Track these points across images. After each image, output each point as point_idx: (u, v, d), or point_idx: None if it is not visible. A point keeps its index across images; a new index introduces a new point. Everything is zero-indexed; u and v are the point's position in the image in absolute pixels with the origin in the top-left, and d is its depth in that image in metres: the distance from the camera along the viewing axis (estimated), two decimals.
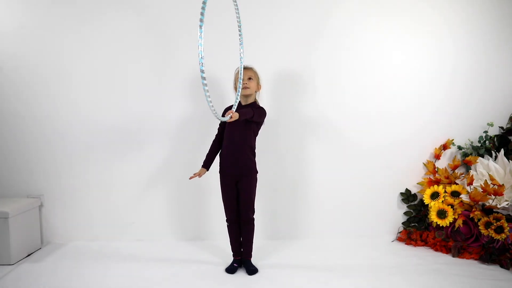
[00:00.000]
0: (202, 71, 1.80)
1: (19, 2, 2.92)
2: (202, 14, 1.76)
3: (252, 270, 2.47)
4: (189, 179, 2.50)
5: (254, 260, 2.57)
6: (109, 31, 2.94)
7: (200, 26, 1.76)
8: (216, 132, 2.58)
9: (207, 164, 2.55)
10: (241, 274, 2.47)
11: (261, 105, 2.54)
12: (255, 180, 2.50)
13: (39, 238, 2.97)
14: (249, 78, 2.44)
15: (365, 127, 3.07)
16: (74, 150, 3.01)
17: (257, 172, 2.51)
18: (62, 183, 3.02)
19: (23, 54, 2.94)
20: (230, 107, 2.53)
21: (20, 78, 2.96)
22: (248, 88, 2.42)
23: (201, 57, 1.78)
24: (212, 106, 1.92)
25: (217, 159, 2.56)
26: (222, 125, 2.53)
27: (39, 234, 2.98)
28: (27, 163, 3.01)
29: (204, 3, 1.76)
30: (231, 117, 2.15)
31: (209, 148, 2.56)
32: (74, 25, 2.93)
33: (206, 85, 1.83)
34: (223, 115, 2.49)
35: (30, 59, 2.94)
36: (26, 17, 2.92)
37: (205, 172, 2.54)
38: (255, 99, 2.52)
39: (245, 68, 2.46)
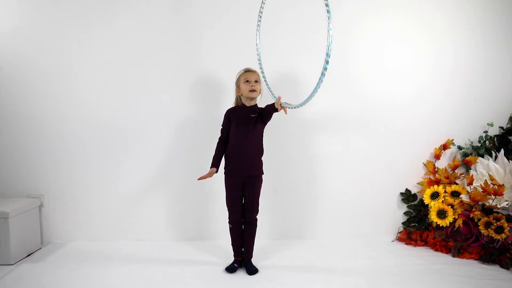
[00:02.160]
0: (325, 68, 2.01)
1: (19, 2, 2.91)
2: (328, 12, 1.91)
3: (252, 270, 2.47)
4: (198, 180, 2.46)
5: (255, 260, 2.57)
6: (111, 30, 2.94)
7: (328, 17, 1.91)
8: (219, 134, 2.56)
9: (216, 164, 2.51)
10: (241, 274, 2.47)
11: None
12: (261, 181, 2.51)
13: (39, 238, 2.97)
14: (255, 81, 2.43)
15: (364, 127, 3.07)
16: (75, 150, 3.00)
17: (263, 173, 2.51)
18: (62, 183, 3.02)
19: (23, 53, 2.94)
20: (234, 108, 2.52)
21: (21, 77, 2.96)
22: (255, 91, 2.42)
23: (328, 55, 2.00)
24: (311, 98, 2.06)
25: (221, 161, 2.54)
26: (226, 126, 2.52)
27: (39, 234, 2.98)
28: (27, 163, 3.01)
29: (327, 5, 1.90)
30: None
31: (215, 149, 2.53)
32: (76, 25, 2.93)
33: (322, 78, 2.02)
34: (230, 117, 2.50)
35: (31, 58, 2.94)
36: (27, 16, 2.92)
37: (215, 172, 2.50)
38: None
39: (250, 71, 2.46)
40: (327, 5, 1.87)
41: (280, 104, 2.20)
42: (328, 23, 1.91)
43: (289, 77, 3.01)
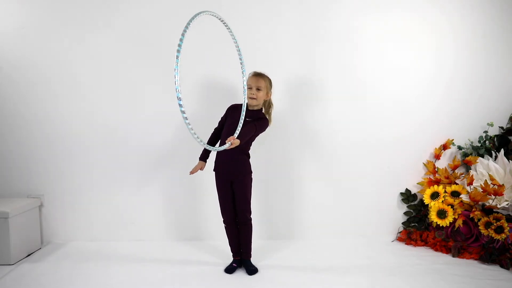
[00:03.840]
0: (180, 102, 1.81)
1: (19, 2, 2.91)
2: (179, 46, 1.81)
3: (252, 270, 2.47)
4: (190, 174, 2.51)
5: (254, 260, 2.57)
6: (111, 30, 2.94)
7: (177, 57, 1.80)
8: (216, 125, 2.57)
9: (204, 157, 2.55)
10: (241, 274, 2.47)
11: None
12: (249, 181, 2.50)
13: (39, 238, 2.97)
14: (258, 89, 2.41)
15: (364, 126, 3.07)
16: (75, 150, 3.00)
17: (251, 172, 2.51)
18: (62, 183, 3.02)
19: (24, 53, 2.94)
20: (236, 106, 2.51)
21: (21, 77, 2.96)
22: (255, 99, 2.41)
23: (178, 91, 1.79)
24: (198, 137, 1.95)
25: (212, 158, 2.55)
26: (224, 120, 2.52)
27: (39, 234, 2.98)
28: (27, 163, 3.01)
29: (181, 40, 1.82)
30: (231, 144, 2.15)
31: (207, 141, 2.54)
32: (76, 25, 2.93)
33: (186, 118, 1.86)
34: (229, 113, 2.50)
35: (31, 58, 2.94)
36: (27, 16, 2.92)
37: (204, 165, 2.54)
38: (261, 107, 2.51)
39: (255, 76, 2.43)
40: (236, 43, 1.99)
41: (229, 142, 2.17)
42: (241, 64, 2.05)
43: (283, 76, 3.01)
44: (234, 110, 2.50)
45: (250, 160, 2.52)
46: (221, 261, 2.64)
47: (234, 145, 2.16)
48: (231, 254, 2.56)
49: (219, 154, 2.48)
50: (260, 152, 2.57)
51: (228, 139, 2.16)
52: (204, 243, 2.98)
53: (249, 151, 2.52)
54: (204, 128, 2.92)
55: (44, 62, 2.95)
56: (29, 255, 2.81)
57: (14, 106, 2.97)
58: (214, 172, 2.54)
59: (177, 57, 1.79)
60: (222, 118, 2.55)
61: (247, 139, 2.31)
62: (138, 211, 3.05)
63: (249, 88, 2.41)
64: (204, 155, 2.55)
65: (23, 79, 2.96)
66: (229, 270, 2.49)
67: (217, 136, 2.53)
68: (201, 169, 2.54)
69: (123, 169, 3.02)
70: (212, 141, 2.54)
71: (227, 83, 2.95)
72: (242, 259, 2.54)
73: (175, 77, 1.78)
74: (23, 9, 2.92)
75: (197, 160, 2.56)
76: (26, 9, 2.92)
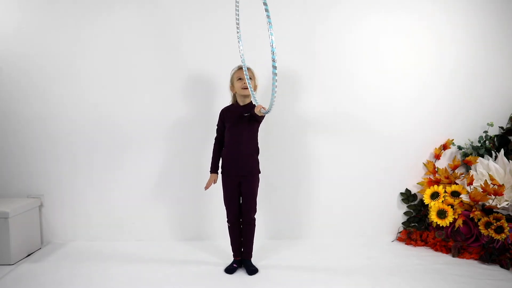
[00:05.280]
0: (274, 66, 1.88)
1: (19, 2, 2.91)
2: (268, 17, 1.86)
3: (252, 270, 2.47)
4: (205, 189, 2.52)
5: (255, 260, 2.57)
6: (110, 30, 2.94)
7: (269, 23, 1.86)
8: (214, 134, 2.57)
9: (215, 169, 2.54)
10: (241, 274, 2.47)
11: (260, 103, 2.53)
12: (257, 181, 2.50)
13: (39, 238, 2.97)
14: (249, 78, 2.42)
15: (365, 127, 3.07)
16: (75, 150, 3.01)
17: (259, 172, 2.51)
18: (62, 183, 3.02)
19: (23, 53, 2.94)
20: (228, 108, 2.52)
21: (21, 78, 2.96)
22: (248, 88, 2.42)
23: (274, 53, 1.89)
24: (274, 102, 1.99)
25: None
26: (221, 126, 2.53)
27: (39, 234, 2.98)
28: (28, 163, 3.01)
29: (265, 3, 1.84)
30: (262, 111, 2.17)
31: (212, 151, 2.55)
32: (75, 24, 2.93)
33: (276, 80, 1.91)
34: (224, 117, 2.50)
35: (31, 59, 2.94)
36: (27, 16, 2.92)
37: (217, 177, 2.54)
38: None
39: (243, 68, 2.44)
40: (267, 10, 1.87)
41: (260, 111, 2.16)
42: (269, 28, 1.91)
43: (285, 74, 3.01)
44: (228, 112, 2.50)
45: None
46: (221, 261, 2.64)
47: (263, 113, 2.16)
48: (232, 254, 2.56)
49: (228, 154, 2.47)
50: (261, 152, 2.56)
51: (257, 108, 2.15)
52: (204, 243, 2.98)
53: (258, 146, 2.51)
54: (201, 128, 2.93)
55: (44, 62, 2.95)
56: (29, 255, 2.81)
57: (14, 106, 2.97)
58: (219, 173, 2.53)
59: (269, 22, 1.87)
60: (218, 125, 2.54)
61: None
62: (138, 211, 3.05)
63: (240, 79, 2.40)
64: (214, 167, 2.54)
65: (23, 80, 2.96)
66: (229, 270, 2.49)
67: (221, 143, 2.53)
68: (214, 182, 2.53)
69: (123, 169, 3.02)
70: (217, 150, 2.54)
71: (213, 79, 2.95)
72: (242, 259, 2.54)
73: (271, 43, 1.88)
74: (23, 9, 2.91)
75: (196, 160, 2.55)
76: (26, 8, 2.91)
